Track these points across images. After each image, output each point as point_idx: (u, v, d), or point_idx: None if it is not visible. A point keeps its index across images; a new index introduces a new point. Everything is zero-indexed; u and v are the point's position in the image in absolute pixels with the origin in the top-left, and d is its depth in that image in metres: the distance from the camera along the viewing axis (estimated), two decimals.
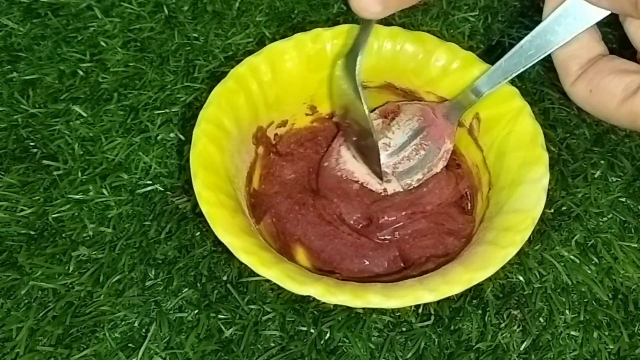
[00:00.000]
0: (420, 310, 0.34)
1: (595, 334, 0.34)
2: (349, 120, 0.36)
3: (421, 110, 0.36)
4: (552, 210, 0.38)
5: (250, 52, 0.36)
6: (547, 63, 0.44)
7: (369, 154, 0.36)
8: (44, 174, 0.39)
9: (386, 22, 0.46)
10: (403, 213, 0.35)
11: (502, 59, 0.31)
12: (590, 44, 0.29)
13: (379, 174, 0.36)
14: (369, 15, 0.26)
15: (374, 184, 0.37)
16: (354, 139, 0.37)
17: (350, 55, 0.32)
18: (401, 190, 0.37)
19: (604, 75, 0.28)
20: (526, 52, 0.30)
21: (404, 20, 0.47)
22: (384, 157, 0.37)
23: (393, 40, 0.36)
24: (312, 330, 0.33)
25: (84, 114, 0.41)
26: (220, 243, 0.29)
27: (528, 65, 0.31)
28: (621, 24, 0.28)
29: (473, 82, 0.33)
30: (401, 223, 0.35)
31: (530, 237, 0.29)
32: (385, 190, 0.37)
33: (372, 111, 0.38)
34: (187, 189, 0.38)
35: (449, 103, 0.35)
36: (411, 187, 0.37)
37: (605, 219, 0.38)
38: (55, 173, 0.39)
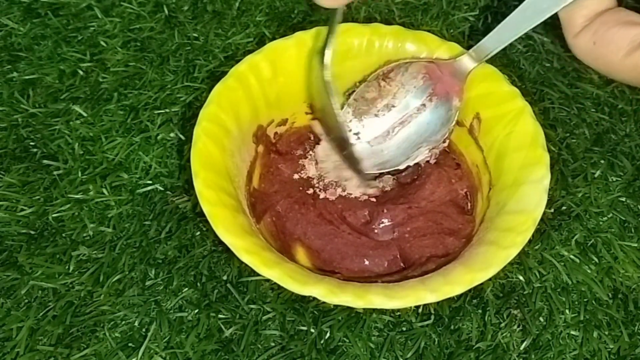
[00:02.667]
0: (420, 310, 0.34)
1: (595, 334, 0.34)
2: (323, 118, 0.36)
3: (426, 68, 0.36)
4: (552, 210, 0.38)
5: (250, 52, 0.36)
6: (547, 63, 0.45)
7: (348, 156, 0.36)
8: (44, 174, 0.39)
9: (387, 21, 0.46)
10: (400, 207, 0.35)
11: (514, 13, 0.30)
12: None
13: (360, 172, 0.36)
14: (329, 4, 0.26)
15: (351, 187, 0.37)
16: (332, 136, 0.36)
17: (322, 51, 0.31)
18: (393, 183, 0.37)
19: (609, 27, 0.27)
20: (540, 5, 0.29)
21: (404, 20, 0.47)
22: (388, 119, 0.36)
23: (394, 39, 0.36)
24: (312, 330, 0.33)
25: (84, 114, 0.41)
26: (220, 242, 0.29)
27: (540, 20, 0.29)
28: None
29: (483, 38, 0.32)
30: (400, 217, 0.35)
31: (530, 236, 0.29)
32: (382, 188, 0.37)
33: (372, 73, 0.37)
34: (187, 188, 0.38)
35: (457, 60, 0.35)
36: (436, 149, 0.35)
37: (605, 218, 0.38)
38: (55, 173, 0.39)
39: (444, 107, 0.35)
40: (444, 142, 0.36)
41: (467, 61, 0.34)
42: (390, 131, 0.37)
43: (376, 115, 0.37)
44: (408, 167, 0.36)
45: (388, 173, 0.37)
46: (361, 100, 0.37)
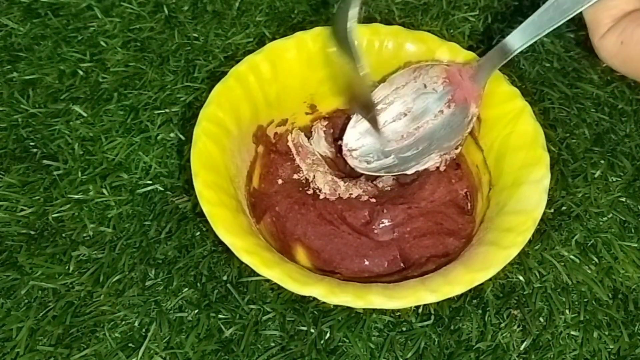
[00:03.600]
0: (420, 310, 0.34)
1: (595, 334, 0.34)
2: (346, 85, 0.35)
3: (447, 72, 0.35)
4: (552, 210, 0.38)
5: (250, 52, 0.36)
6: (547, 63, 0.45)
7: (372, 120, 0.35)
8: (44, 174, 0.39)
9: (387, 21, 0.46)
10: (400, 207, 0.35)
11: (535, 14, 0.29)
12: None
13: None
14: None
15: (339, 186, 0.37)
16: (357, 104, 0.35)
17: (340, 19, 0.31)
18: (393, 183, 0.37)
19: (638, 24, 0.26)
20: (561, 5, 0.28)
21: (404, 20, 0.47)
22: (404, 123, 0.36)
23: (394, 39, 0.36)
24: (312, 330, 0.33)
25: (84, 114, 0.41)
26: (220, 243, 0.29)
27: (562, 20, 0.28)
28: None
29: (503, 39, 0.31)
30: (400, 217, 0.35)
31: (530, 237, 0.29)
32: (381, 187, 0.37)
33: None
34: (187, 188, 0.38)
35: (477, 63, 0.34)
36: (448, 155, 0.35)
37: (605, 218, 0.38)
38: (55, 173, 0.39)
39: (461, 113, 0.35)
40: (456, 148, 0.35)
41: (486, 64, 0.33)
42: (404, 135, 0.36)
43: (394, 120, 0.36)
44: (416, 172, 0.36)
45: (395, 176, 0.37)
46: (377, 104, 0.36)
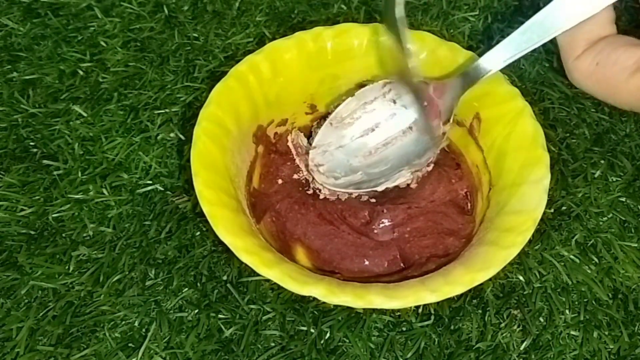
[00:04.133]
0: (420, 310, 0.34)
1: (595, 334, 0.34)
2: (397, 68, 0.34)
3: (417, 87, 0.34)
4: (552, 210, 0.38)
5: (251, 52, 0.36)
6: (547, 63, 0.45)
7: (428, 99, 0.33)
8: (44, 174, 0.39)
9: None
10: (400, 207, 0.35)
11: (514, 34, 0.29)
12: (605, 22, 0.27)
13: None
14: None
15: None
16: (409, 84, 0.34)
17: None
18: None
19: (615, 47, 0.26)
20: (539, 28, 0.28)
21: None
22: (371, 139, 0.35)
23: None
24: (312, 330, 0.33)
25: (84, 114, 0.41)
26: (220, 243, 0.29)
27: (540, 42, 0.28)
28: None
29: (479, 57, 0.31)
30: (400, 217, 0.35)
31: (530, 237, 0.29)
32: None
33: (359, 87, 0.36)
34: (188, 188, 0.38)
35: (450, 81, 0.33)
36: (419, 172, 0.34)
37: (605, 218, 0.38)
38: (55, 173, 0.39)
39: (432, 131, 0.34)
40: (428, 165, 0.35)
41: (460, 83, 0.32)
42: (372, 151, 0.36)
43: (361, 136, 0.36)
44: (387, 189, 0.35)
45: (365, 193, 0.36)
46: (344, 118, 0.36)
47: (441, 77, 0.35)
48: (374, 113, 0.36)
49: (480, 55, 0.35)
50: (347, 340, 0.33)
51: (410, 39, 0.30)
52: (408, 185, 0.36)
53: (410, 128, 0.35)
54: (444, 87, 0.34)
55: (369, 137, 0.36)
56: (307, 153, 0.38)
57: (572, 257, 0.36)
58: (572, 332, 0.34)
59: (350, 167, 0.36)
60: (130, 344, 0.33)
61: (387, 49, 0.33)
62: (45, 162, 0.39)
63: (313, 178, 0.37)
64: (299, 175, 0.37)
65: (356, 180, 0.36)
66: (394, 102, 0.35)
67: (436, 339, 0.33)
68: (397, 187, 0.37)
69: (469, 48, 0.37)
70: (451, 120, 0.34)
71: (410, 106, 0.35)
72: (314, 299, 0.28)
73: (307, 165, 0.37)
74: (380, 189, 0.35)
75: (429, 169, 0.35)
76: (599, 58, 0.27)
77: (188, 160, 0.32)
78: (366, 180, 0.35)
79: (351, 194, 0.36)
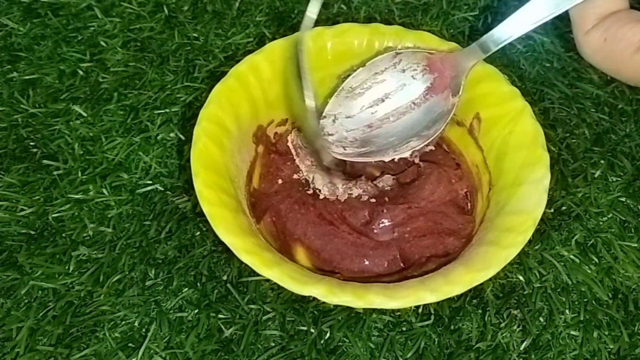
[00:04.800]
0: (420, 310, 0.34)
1: (595, 334, 0.34)
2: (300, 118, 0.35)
3: (427, 59, 0.34)
4: (552, 210, 0.38)
5: (251, 52, 0.36)
6: (547, 63, 0.45)
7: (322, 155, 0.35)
8: (44, 174, 0.39)
9: (387, 21, 0.46)
10: (400, 207, 0.35)
11: (524, 7, 0.29)
12: None
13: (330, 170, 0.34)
14: None
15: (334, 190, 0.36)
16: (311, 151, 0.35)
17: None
18: (393, 183, 0.37)
19: (623, 24, 0.26)
20: (550, 1, 0.28)
21: (404, 20, 0.47)
22: (381, 109, 0.35)
23: (394, 39, 0.36)
24: (312, 330, 0.33)
25: (84, 114, 0.41)
26: (220, 243, 0.29)
27: (550, 16, 0.28)
28: None
29: (490, 30, 0.31)
30: (400, 217, 0.35)
31: (530, 236, 0.29)
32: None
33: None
34: (187, 188, 0.38)
35: (460, 52, 0.33)
36: (427, 144, 0.34)
37: (605, 218, 0.38)
38: (55, 173, 0.39)
39: (441, 103, 0.34)
40: (432, 140, 0.35)
41: (470, 54, 0.33)
42: (381, 122, 0.36)
43: (370, 106, 0.36)
44: (393, 160, 0.35)
45: (372, 163, 0.36)
46: (355, 88, 0.36)
47: (447, 50, 0.35)
48: (384, 83, 0.36)
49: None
50: (347, 340, 0.33)
51: (309, 84, 0.30)
52: (413, 180, 0.36)
53: (420, 99, 0.35)
54: (453, 59, 0.33)
55: (379, 107, 0.36)
56: (307, 153, 0.38)
57: (572, 257, 0.36)
58: (572, 332, 0.34)
59: (360, 137, 0.36)
60: (130, 344, 0.33)
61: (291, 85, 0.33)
62: (45, 162, 0.39)
63: (313, 178, 0.37)
64: (299, 175, 0.38)
65: (364, 150, 0.35)
66: (404, 72, 0.35)
67: (436, 339, 0.33)
68: (397, 186, 0.37)
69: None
70: (460, 92, 0.34)
71: (420, 78, 0.35)
72: (314, 299, 0.28)
73: (307, 165, 0.37)
74: (387, 159, 0.35)
75: (432, 147, 0.35)
76: (607, 34, 0.27)
77: (188, 160, 0.32)
78: (374, 150, 0.35)
79: (351, 191, 0.36)
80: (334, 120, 0.36)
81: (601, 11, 0.28)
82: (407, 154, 0.35)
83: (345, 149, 0.35)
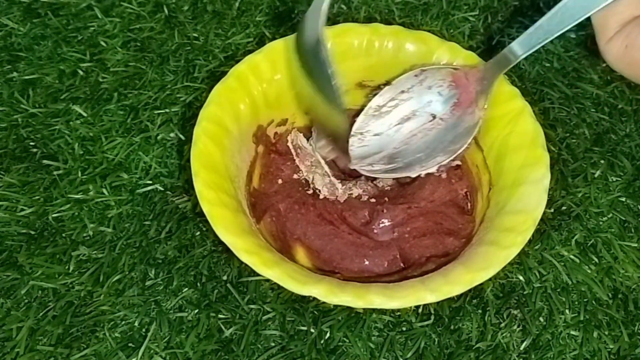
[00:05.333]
0: (420, 310, 0.34)
1: (595, 334, 0.34)
2: (317, 118, 0.35)
3: (452, 75, 0.35)
4: (552, 210, 0.38)
5: (251, 52, 0.36)
6: (547, 63, 0.45)
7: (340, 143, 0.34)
8: (44, 174, 0.39)
9: (387, 21, 0.46)
10: (400, 207, 0.35)
11: (543, 18, 0.29)
12: (635, 3, 0.28)
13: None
14: None
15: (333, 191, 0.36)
16: (329, 139, 0.35)
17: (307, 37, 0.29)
18: (393, 183, 0.37)
19: None
20: (570, 10, 0.28)
21: (404, 20, 0.47)
22: (409, 126, 0.35)
23: (394, 39, 0.36)
24: (312, 330, 0.33)
25: (84, 114, 0.41)
26: (220, 242, 0.29)
27: (570, 25, 0.28)
28: None
29: (510, 43, 0.31)
30: (400, 217, 0.35)
31: (530, 236, 0.29)
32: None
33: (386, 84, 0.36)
34: (187, 188, 0.38)
35: (483, 67, 0.34)
36: (453, 160, 0.34)
37: (605, 218, 0.38)
38: (55, 173, 0.39)
39: (467, 117, 0.35)
40: (459, 154, 0.35)
41: (494, 67, 0.33)
42: (409, 139, 0.36)
43: (399, 123, 0.36)
44: (419, 175, 0.35)
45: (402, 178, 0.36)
46: (382, 106, 0.36)
47: (470, 66, 0.35)
48: (411, 101, 0.36)
49: (480, 55, 0.35)
50: (347, 340, 0.33)
51: (334, 74, 0.30)
52: (413, 180, 0.36)
53: (447, 115, 0.35)
54: (478, 72, 0.34)
55: (406, 124, 0.36)
56: (307, 154, 0.38)
57: (572, 257, 0.36)
58: (572, 332, 0.34)
59: (387, 154, 0.36)
60: (130, 344, 0.33)
61: (300, 80, 0.33)
62: (45, 162, 0.39)
63: (313, 178, 0.37)
64: (299, 175, 0.37)
65: (391, 166, 0.36)
66: (430, 88, 0.35)
67: (436, 339, 0.33)
68: (397, 186, 0.37)
69: (469, 48, 0.37)
70: (486, 106, 0.34)
71: (447, 93, 0.35)
72: (314, 299, 0.28)
73: (307, 165, 0.37)
74: (414, 174, 0.35)
75: (460, 158, 0.35)
76: (628, 40, 0.27)
77: (188, 160, 0.32)
78: (402, 166, 0.35)
79: (351, 191, 0.36)
80: (360, 139, 0.36)
81: (622, 17, 0.28)
82: (433, 169, 0.35)
83: (372, 166, 0.36)
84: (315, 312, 0.34)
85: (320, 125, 0.37)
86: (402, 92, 0.36)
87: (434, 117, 0.36)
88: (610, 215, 0.38)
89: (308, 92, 0.33)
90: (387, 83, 0.36)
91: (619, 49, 0.28)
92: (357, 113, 0.37)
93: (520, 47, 0.31)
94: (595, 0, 0.27)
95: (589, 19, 0.29)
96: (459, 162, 0.37)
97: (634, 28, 0.27)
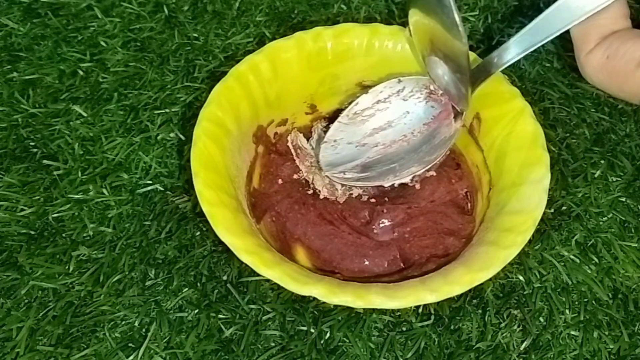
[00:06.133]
0: (420, 310, 0.34)
1: (595, 334, 0.34)
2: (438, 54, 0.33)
3: (431, 86, 0.35)
4: (552, 210, 0.38)
5: (251, 52, 0.36)
6: (547, 63, 0.45)
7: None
8: (44, 174, 0.39)
9: (387, 21, 0.46)
10: (400, 207, 0.35)
11: (526, 28, 0.29)
12: (617, 17, 0.28)
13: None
14: None
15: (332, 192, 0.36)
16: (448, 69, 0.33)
17: None
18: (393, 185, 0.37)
19: (624, 40, 0.27)
20: (556, 17, 0.28)
21: (404, 20, 0.47)
22: (382, 136, 0.35)
23: (394, 39, 0.37)
24: (312, 330, 0.33)
25: (84, 114, 0.41)
26: (220, 242, 0.29)
27: (552, 36, 0.29)
28: None
29: (496, 50, 0.31)
30: (400, 217, 0.35)
31: (530, 237, 0.29)
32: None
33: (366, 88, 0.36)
34: (188, 188, 0.38)
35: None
36: (427, 170, 0.34)
37: (605, 218, 0.38)
38: (55, 173, 0.39)
39: (444, 129, 0.35)
40: (433, 165, 0.35)
41: (473, 78, 0.32)
42: (384, 148, 0.36)
43: (375, 133, 0.36)
44: (389, 187, 0.35)
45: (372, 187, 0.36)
46: (357, 115, 0.36)
47: None
48: (387, 111, 0.36)
49: (480, 55, 0.35)
50: (347, 340, 0.33)
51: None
52: (411, 184, 0.36)
53: (424, 126, 0.35)
54: (455, 84, 0.34)
55: (381, 134, 0.36)
56: (307, 154, 0.38)
57: (572, 257, 0.36)
58: (572, 332, 0.34)
59: (361, 163, 0.36)
60: (130, 344, 0.33)
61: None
62: (45, 162, 0.39)
63: (313, 178, 0.37)
64: (299, 175, 0.38)
65: (364, 175, 0.36)
66: (407, 99, 0.35)
67: (436, 339, 0.33)
68: (397, 186, 0.37)
69: (469, 48, 0.37)
70: (463, 117, 0.34)
71: (424, 105, 0.35)
72: (314, 299, 0.28)
73: (307, 166, 0.37)
74: (387, 184, 0.35)
75: (434, 170, 0.35)
76: (609, 51, 0.27)
77: (188, 160, 0.32)
78: (374, 175, 0.35)
79: (351, 191, 0.36)
80: (334, 146, 0.36)
81: (603, 31, 0.28)
82: (407, 179, 0.35)
83: (344, 174, 0.35)
84: (315, 312, 0.34)
85: (436, 46, 0.34)
86: (379, 101, 0.36)
87: (411, 127, 0.36)
88: (611, 215, 0.38)
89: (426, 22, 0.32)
90: (364, 90, 0.36)
91: (599, 60, 0.28)
92: (332, 120, 0.37)
93: (501, 58, 0.31)
94: (579, 9, 0.27)
95: (567, 34, 0.29)
96: (458, 162, 0.38)
97: (615, 40, 0.27)
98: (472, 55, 0.35)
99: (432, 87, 0.35)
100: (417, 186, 0.36)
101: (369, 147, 0.36)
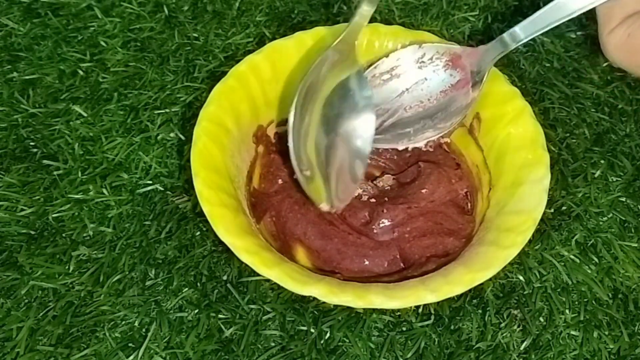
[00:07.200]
0: (420, 310, 0.34)
1: (595, 334, 0.34)
2: None
3: (450, 54, 0.35)
4: (552, 210, 0.38)
5: (251, 52, 0.36)
6: (547, 63, 0.45)
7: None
8: (44, 174, 0.39)
9: (387, 21, 0.46)
10: (400, 207, 0.35)
11: (549, 5, 0.29)
12: None
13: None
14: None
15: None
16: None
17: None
18: (393, 183, 0.37)
19: None
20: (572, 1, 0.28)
21: (404, 20, 0.47)
22: (400, 101, 0.35)
23: (394, 39, 0.37)
24: (312, 330, 0.33)
25: (84, 114, 0.41)
26: (220, 242, 0.29)
27: (576, 12, 0.28)
28: None
29: (512, 28, 0.31)
30: (400, 217, 0.35)
31: (530, 237, 0.29)
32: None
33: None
34: (188, 188, 0.38)
35: (482, 48, 0.34)
36: (441, 137, 0.35)
37: (605, 218, 0.38)
38: (55, 173, 0.39)
39: (461, 97, 0.35)
40: (449, 132, 0.35)
41: (492, 49, 0.33)
42: (400, 113, 0.36)
43: (388, 97, 0.36)
44: (407, 149, 0.36)
45: (372, 163, 0.37)
46: (375, 78, 0.36)
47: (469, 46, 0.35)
48: (406, 75, 0.36)
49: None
50: (347, 340, 0.33)
51: None
52: (413, 180, 0.36)
53: (442, 93, 0.35)
54: (476, 53, 0.34)
55: (398, 99, 0.36)
56: None
57: (572, 257, 0.36)
58: (572, 332, 0.34)
59: (376, 126, 0.36)
60: (130, 344, 0.33)
61: None
62: (45, 162, 0.39)
63: None
64: None
65: (379, 137, 0.36)
66: (426, 65, 0.35)
67: (436, 339, 0.33)
68: (397, 186, 0.37)
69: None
70: (481, 87, 0.34)
71: (442, 72, 0.35)
72: (314, 299, 0.28)
73: None
74: (400, 147, 0.36)
75: (447, 140, 0.36)
76: (630, 29, 0.28)
77: (188, 160, 0.32)
78: (389, 138, 0.36)
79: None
80: None
81: (627, 10, 0.29)
82: (421, 144, 0.35)
83: None
84: (315, 312, 0.34)
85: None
86: (398, 66, 0.36)
87: (428, 94, 0.36)
88: (610, 215, 0.38)
89: None
90: (385, 55, 0.36)
91: (620, 38, 0.28)
92: None
93: (520, 32, 0.31)
94: None
95: (592, 14, 0.29)
96: (458, 162, 0.38)
97: (638, 19, 0.28)
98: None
99: (451, 55, 0.35)
100: (431, 149, 0.36)
101: (385, 110, 0.36)
